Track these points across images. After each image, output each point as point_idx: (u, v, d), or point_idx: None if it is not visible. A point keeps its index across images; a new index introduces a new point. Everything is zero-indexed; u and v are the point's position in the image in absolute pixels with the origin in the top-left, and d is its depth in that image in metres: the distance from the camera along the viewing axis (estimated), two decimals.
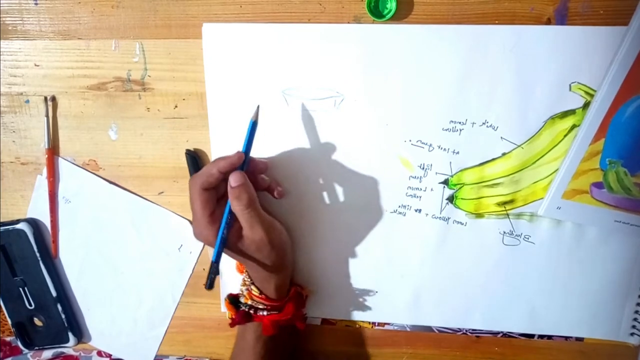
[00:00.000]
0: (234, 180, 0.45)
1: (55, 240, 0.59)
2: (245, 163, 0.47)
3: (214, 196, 0.47)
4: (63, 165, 0.57)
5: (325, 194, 0.53)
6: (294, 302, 0.51)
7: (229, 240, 0.46)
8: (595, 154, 0.47)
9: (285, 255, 0.50)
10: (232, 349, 0.54)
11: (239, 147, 0.52)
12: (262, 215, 0.47)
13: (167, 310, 0.60)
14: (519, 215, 0.52)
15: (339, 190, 0.53)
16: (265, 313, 0.50)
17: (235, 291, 0.54)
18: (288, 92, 0.51)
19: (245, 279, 0.51)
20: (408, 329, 0.57)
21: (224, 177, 0.46)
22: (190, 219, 0.56)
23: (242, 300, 0.51)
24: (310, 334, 0.59)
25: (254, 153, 0.50)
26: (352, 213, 0.53)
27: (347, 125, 0.51)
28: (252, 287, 0.50)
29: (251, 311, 0.50)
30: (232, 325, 0.51)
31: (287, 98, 0.51)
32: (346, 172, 0.52)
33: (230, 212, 0.46)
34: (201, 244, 0.57)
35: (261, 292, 0.50)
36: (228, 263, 0.55)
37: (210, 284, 0.46)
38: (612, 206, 0.49)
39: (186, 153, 0.54)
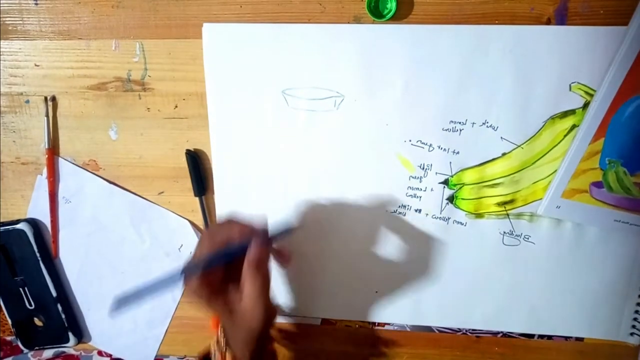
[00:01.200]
0: (260, 249, 0.43)
1: (55, 240, 0.59)
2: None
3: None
4: (63, 165, 0.57)
5: (324, 195, 0.53)
6: None
7: (219, 290, 0.44)
8: (595, 154, 0.47)
9: (268, 326, 0.46)
10: None
11: (239, 146, 0.52)
12: (267, 292, 0.44)
13: (167, 310, 0.60)
14: (519, 215, 0.52)
15: (339, 190, 0.53)
16: None
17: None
18: (288, 92, 0.51)
19: (220, 338, 0.48)
20: (408, 329, 0.57)
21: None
22: (190, 219, 0.56)
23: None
24: (310, 334, 0.59)
25: (256, 153, 0.50)
26: (352, 213, 0.53)
27: (347, 125, 0.51)
28: (226, 349, 0.47)
29: None
30: None
31: (287, 98, 0.51)
32: (346, 172, 0.52)
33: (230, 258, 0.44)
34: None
35: (235, 356, 0.46)
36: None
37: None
38: (611, 205, 0.49)
39: (186, 153, 0.54)
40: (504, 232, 0.52)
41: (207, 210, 0.56)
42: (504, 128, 0.49)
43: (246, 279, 0.43)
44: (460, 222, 0.52)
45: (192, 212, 0.56)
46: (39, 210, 0.58)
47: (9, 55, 0.54)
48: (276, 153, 0.52)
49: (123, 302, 0.42)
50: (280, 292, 0.57)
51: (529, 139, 0.49)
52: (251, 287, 0.43)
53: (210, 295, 0.44)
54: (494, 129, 0.49)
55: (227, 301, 0.44)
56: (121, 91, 0.54)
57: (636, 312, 0.53)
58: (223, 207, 0.55)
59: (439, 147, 0.51)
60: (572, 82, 0.47)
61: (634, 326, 0.54)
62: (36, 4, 0.52)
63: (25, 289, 0.59)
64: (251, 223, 0.45)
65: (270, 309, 0.45)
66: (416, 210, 0.53)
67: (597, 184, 0.48)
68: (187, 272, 0.43)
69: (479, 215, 0.52)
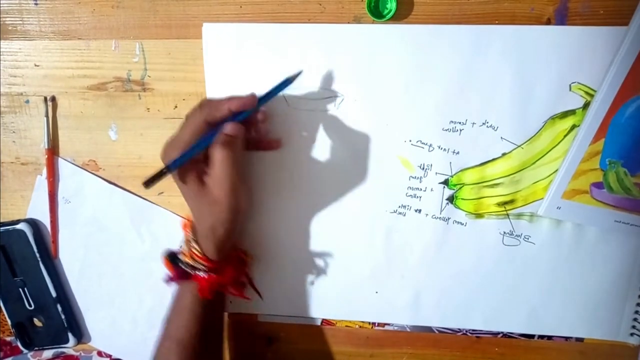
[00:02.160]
0: (230, 128, 0.44)
1: (55, 241, 0.59)
2: (252, 111, 0.45)
3: (205, 132, 0.45)
4: (63, 165, 0.57)
5: (324, 194, 0.53)
6: (233, 266, 0.50)
7: (190, 174, 0.44)
8: (595, 154, 0.47)
9: (235, 219, 0.46)
10: (167, 311, 0.52)
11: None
12: (235, 175, 0.44)
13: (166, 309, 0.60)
14: (519, 216, 0.52)
15: (339, 190, 0.53)
16: (203, 274, 0.47)
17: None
18: (288, 92, 0.51)
19: (189, 235, 0.48)
20: (408, 329, 0.57)
21: (228, 117, 0.44)
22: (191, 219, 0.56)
23: (182, 257, 0.49)
24: (310, 334, 0.59)
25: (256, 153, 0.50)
26: (352, 213, 0.53)
27: (347, 125, 0.51)
28: (194, 244, 0.47)
29: (189, 270, 0.48)
30: (168, 282, 0.50)
31: (287, 98, 0.51)
32: (346, 172, 0.52)
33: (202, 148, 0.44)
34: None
35: (202, 252, 0.47)
36: None
37: (148, 182, 0.44)
38: (612, 206, 0.49)
39: None
40: (504, 233, 0.52)
41: None
42: (504, 128, 0.49)
43: (213, 157, 0.43)
44: (460, 222, 0.52)
45: None
46: (39, 210, 0.58)
47: (9, 55, 0.54)
48: (276, 153, 0.52)
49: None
50: (281, 292, 0.57)
51: (529, 139, 0.49)
52: (218, 165, 0.43)
53: (189, 176, 0.45)
54: (494, 129, 0.49)
55: (200, 184, 0.45)
56: (121, 91, 0.54)
57: (636, 312, 0.53)
58: None
59: (439, 147, 0.51)
60: (572, 82, 0.47)
61: (634, 326, 0.54)
62: (36, 4, 0.52)
63: (25, 289, 0.59)
64: (230, 97, 0.45)
65: (238, 194, 0.45)
66: (416, 211, 0.53)
67: (598, 185, 0.48)
68: (170, 166, 0.44)
69: (479, 216, 0.52)
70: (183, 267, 0.48)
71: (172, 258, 0.50)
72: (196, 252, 0.47)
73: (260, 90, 0.51)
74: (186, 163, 0.44)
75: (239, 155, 0.45)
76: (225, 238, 0.47)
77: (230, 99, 0.45)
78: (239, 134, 0.45)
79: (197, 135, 0.44)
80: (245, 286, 0.54)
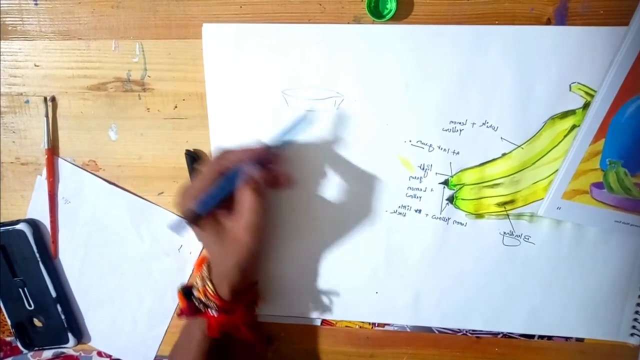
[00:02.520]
0: (257, 173, 0.44)
1: (55, 241, 0.59)
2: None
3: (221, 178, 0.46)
4: (63, 165, 0.57)
5: (324, 195, 0.53)
6: (245, 307, 0.50)
7: (207, 219, 0.45)
8: (596, 154, 0.47)
9: (254, 260, 0.47)
10: (175, 344, 0.53)
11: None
12: (264, 221, 0.45)
13: (167, 310, 0.60)
14: (519, 216, 0.52)
15: (339, 190, 0.53)
16: (214, 313, 0.48)
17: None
18: (288, 92, 0.51)
19: (204, 273, 0.49)
20: (408, 330, 0.57)
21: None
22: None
23: (195, 293, 0.49)
24: (310, 334, 0.59)
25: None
26: (352, 213, 0.53)
27: (347, 125, 0.51)
28: (208, 282, 0.48)
29: (201, 307, 0.48)
30: (179, 316, 0.50)
31: (287, 98, 0.51)
32: (346, 173, 0.52)
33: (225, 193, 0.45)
34: (201, 245, 0.57)
35: (215, 291, 0.48)
36: None
37: (175, 227, 0.45)
38: (612, 206, 0.49)
39: (186, 153, 0.54)
40: (504, 233, 0.52)
41: None
42: (504, 128, 0.49)
43: (242, 201, 0.43)
44: (460, 223, 0.52)
45: None
46: (39, 210, 0.58)
47: (8, 55, 0.54)
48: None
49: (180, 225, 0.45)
50: (281, 292, 0.57)
51: (529, 139, 0.49)
52: (248, 210, 0.43)
53: (209, 222, 0.45)
54: (494, 129, 0.49)
55: (219, 227, 0.45)
56: (121, 91, 0.54)
57: (636, 312, 0.53)
58: None
59: (439, 148, 0.51)
60: (572, 83, 0.47)
61: (634, 327, 0.54)
62: (36, 4, 0.52)
63: (25, 289, 0.59)
64: (244, 148, 0.45)
65: (262, 238, 0.45)
66: (416, 211, 0.53)
67: (598, 185, 0.48)
68: (189, 218, 0.44)
69: (479, 216, 0.52)
70: (196, 303, 0.49)
71: (186, 292, 0.50)
72: (210, 291, 0.48)
73: (260, 90, 0.51)
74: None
75: (266, 199, 0.45)
76: (241, 280, 0.47)
77: (246, 152, 0.45)
78: (261, 175, 0.45)
79: (212, 184, 0.45)
80: (256, 328, 0.54)
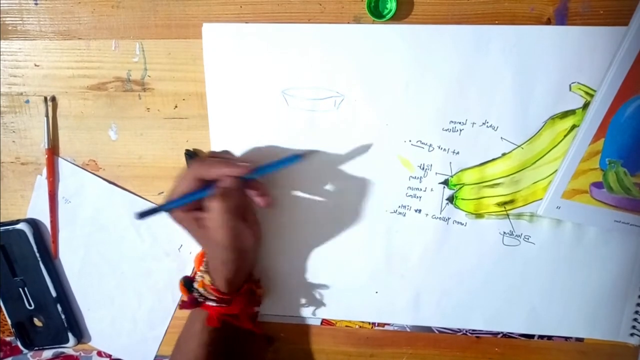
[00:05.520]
0: (227, 181, 0.45)
1: (55, 241, 0.59)
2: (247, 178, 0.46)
3: (199, 187, 0.46)
4: (63, 165, 0.57)
5: (324, 195, 0.53)
6: (243, 298, 0.51)
7: (188, 221, 0.47)
8: (595, 154, 0.47)
9: (241, 257, 0.48)
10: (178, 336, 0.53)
11: (239, 147, 0.52)
12: (233, 221, 0.45)
13: (167, 310, 0.60)
14: (519, 216, 0.52)
15: (339, 190, 0.53)
16: (212, 304, 0.49)
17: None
18: (288, 92, 0.51)
19: (203, 266, 0.51)
20: (408, 329, 0.57)
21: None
22: None
23: (195, 285, 0.51)
24: (310, 334, 0.59)
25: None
26: (352, 213, 0.53)
27: (347, 125, 0.51)
28: (206, 275, 0.50)
29: (200, 299, 0.50)
30: (181, 307, 0.52)
31: (287, 98, 0.51)
32: (346, 173, 0.52)
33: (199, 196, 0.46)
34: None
35: (213, 283, 0.49)
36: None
37: (141, 215, 0.46)
38: (611, 206, 0.49)
39: (185, 153, 0.54)
40: (504, 233, 0.52)
41: None
42: (504, 128, 0.49)
43: (211, 205, 0.44)
44: (460, 223, 0.52)
45: None
46: (39, 210, 0.58)
47: (9, 55, 0.54)
48: (276, 153, 0.52)
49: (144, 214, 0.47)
50: (281, 292, 0.57)
51: (529, 139, 0.49)
52: (215, 213, 0.44)
53: (186, 220, 0.47)
54: (494, 129, 0.49)
55: (196, 223, 0.47)
56: (121, 91, 0.54)
57: (636, 312, 0.53)
58: None
59: (439, 147, 0.51)
60: (572, 82, 0.47)
61: (634, 326, 0.54)
62: (36, 4, 0.52)
63: (25, 289, 0.59)
64: (232, 161, 0.46)
65: (239, 237, 0.47)
66: (416, 211, 0.53)
67: (598, 185, 0.48)
68: (163, 210, 0.47)
69: (479, 216, 0.52)
70: (195, 294, 0.50)
71: (187, 284, 0.52)
72: (207, 283, 0.50)
73: (260, 90, 0.51)
74: (181, 210, 0.46)
75: (237, 203, 0.45)
76: (234, 274, 0.49)
77: (227, 164, 0.45)
78: (235, 187, 0.45)
79: (190, 188, 0.46)
80: (256, 318, 0.55)
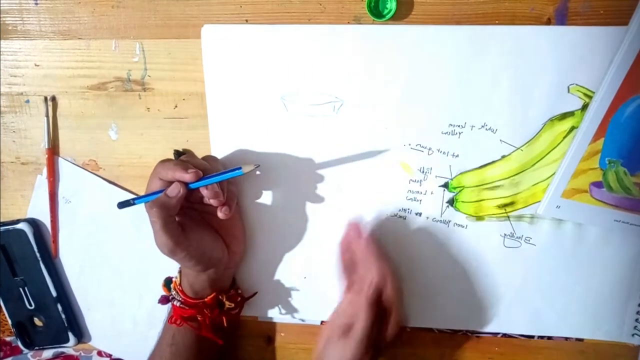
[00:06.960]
0: (169, 189, 0.45)
1: (55, 240, 0.59)
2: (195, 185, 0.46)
3: (163, 185, 0.47)
4: (63, 165, 0.57)
5: (325, 199, 0.53)
6: (209, 307, 0.51)
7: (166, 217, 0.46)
8: (595, 154, 0.47)
9: (205, 266, 0.49)
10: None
11: (239, 147, 0.52)
12: (176, 232, 0.46)
13: (167, 310, 0.59)
14: (519, 217, 0.52)
15: (339, 195, 0.53)
16: (177, 304, 0.51)
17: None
18: (287, 98, 0.51)
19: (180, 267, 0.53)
20: (408, 330, 0.57)
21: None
22: None
23: (171, 285, 0.53)
24: (310, 334, 0.59)
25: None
26: (352, 217, 0.53)
27: (346, 130, 0.51)
28: (178, 276, 0.52)
29: (171, 298, 0.52)
30: (158, 302, 0.53)
31: (286, 104, 0.51)
32: (346, 177, 0.52)
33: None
34: None
35: (181, 285, 0.52)
36: None
37: (119, 205, 0.48)
38: (611, 205, 0.49)
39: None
40: (505, 234, 0.52)
41: None
42: (503, 130, 0.49)
43: (147, 206, 0.45)
44: (461, 225, 0.52)
45: None
46: (39, 210, 0.58)
47: (9, 55, 0.54)
48: (275, 158, 0.52)
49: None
50: (280, 292, 0.57)
51: (528, 141, 0.49)
52: (151, 223, 0.45)
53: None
54: (493, 131, 0.49)
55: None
56: (121, 91, 0.54)
57: (638, 312, 0.53)
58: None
59: (439, 151, 0.50)
60: (571, 84, 0.47)
61: (635, 327, 0.54)
62: (36, 4, 0.52)
63: (25, 289, 0.59)
64: (190, 165, 0.45)
65: (194, 241, 0.47)
66: (416, 214, 0.53)
67: (597, 184, 0.48)
68: (136, 204, 0.49)
69: (480, 218, 0.52)
70: (170, 292, 0.53)
71: (167, 283, 0.54)
72: (177, 284, 0.52)
73: (259, 94, 0.51)
74: (147, 207, 0.46)
75: (174, 211, 0.46)
76: (194, 279, 0.51)
77: (180, 169, 0.45)
78: (177, 196, 0.45)
79: (155, 187, 0.47)
80: (220, 332, 0.53)
